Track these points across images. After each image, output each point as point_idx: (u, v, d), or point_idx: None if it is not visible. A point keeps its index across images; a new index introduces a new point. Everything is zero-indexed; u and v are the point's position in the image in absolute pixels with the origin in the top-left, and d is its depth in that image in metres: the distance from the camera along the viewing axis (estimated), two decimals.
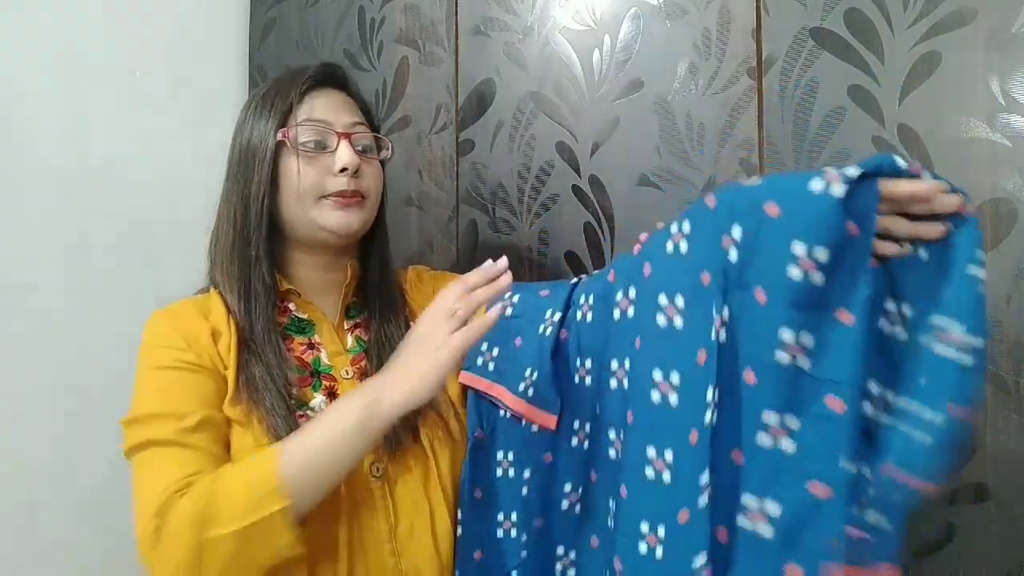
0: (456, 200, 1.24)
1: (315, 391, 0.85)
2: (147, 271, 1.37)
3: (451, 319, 0.74)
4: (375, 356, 0.89)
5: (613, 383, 0.79)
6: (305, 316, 0.91)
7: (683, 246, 0.72)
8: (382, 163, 0.95)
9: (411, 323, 0.95)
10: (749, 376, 0.65)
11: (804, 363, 0.63)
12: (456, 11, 1.24)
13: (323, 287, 0.93)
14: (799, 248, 0.62)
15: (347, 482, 0.81)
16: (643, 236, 0.80)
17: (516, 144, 1.16)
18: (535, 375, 0.85)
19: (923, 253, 0.63)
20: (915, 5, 0.86)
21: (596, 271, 0.93)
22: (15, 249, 1.21)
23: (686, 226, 0.72)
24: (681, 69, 1.02)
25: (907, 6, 0.86)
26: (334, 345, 0.90)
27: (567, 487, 0.84)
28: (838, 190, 0.60)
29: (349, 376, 0.88)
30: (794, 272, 0.62)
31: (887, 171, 0.61)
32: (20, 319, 1.21)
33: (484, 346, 0.91)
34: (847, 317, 0.61)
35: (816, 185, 0.61)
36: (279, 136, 0.86)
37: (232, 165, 0.90)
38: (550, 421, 0.84)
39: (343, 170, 0.86)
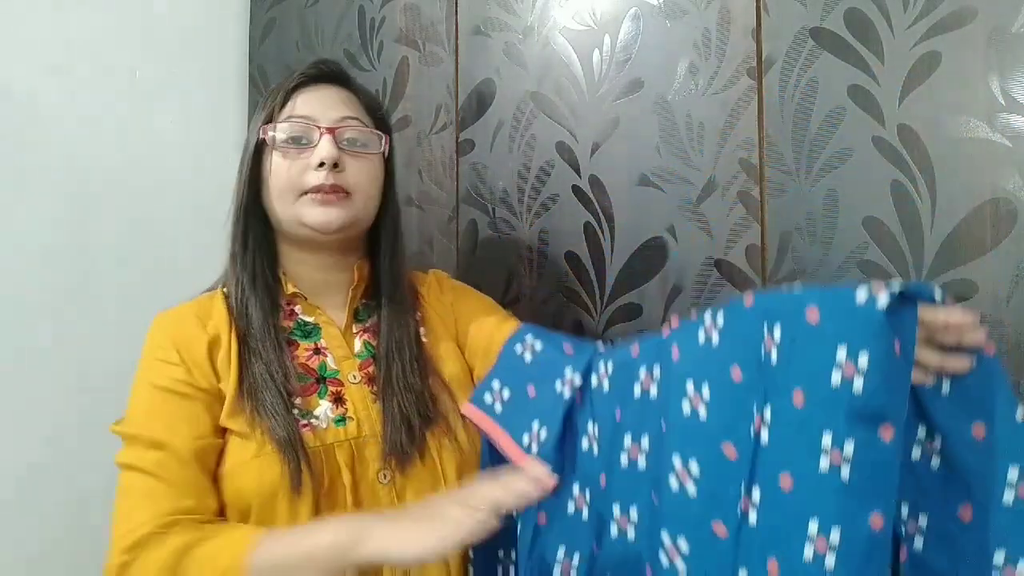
0: (456, 200, 1.24)
1: (321, 398, 0.84)
2: (147, 271, 1.37)
3: (472, 508, 0.70)
4: (383, 362, 0.88)
5: (624, 459, 0.78)
6: (311, 319, 0.90)
7: (715, 338, 0.72)
8: (388, 160, 0.93)
9: (421, 328, 0.93)
10: (785, 480, 0.65)
11: (845, 474, 0.62)
12: (456, 11, 1.24)
13: (328, 288, 0.92)
14: (841, 353, 0.62)
15: (352, 487, 0.81)
16: (673, 320, 0.80)
17: (516, 144, 1.16)
18: (544, 433, 0.84)
19: (945, 387, 0.65)
20: (915, 5, 0.86)
21: (619, 343, 0.89)
22: (15, 249, 1.21)
23: (719, 319, 0.73)
24: (681, 69, 1.02)
25: (907, 6, 0.86)
26: (341, 350, 0.89)
27: (560, 552, 0.83)
28: (883, 301, 0.61)
29: (356, 381, 0.87)
30: (835, 377, 0.62)
31: (925, 297, 0.64)
32: (19, 318, 1.21)
33: (496, 383, 0.90)
34: (888, 434, 0.61)
35: (860, 295, 0.63)
36: (260, 134, 0.87)
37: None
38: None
39: (321, 164, 0.85)
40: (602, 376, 0.83)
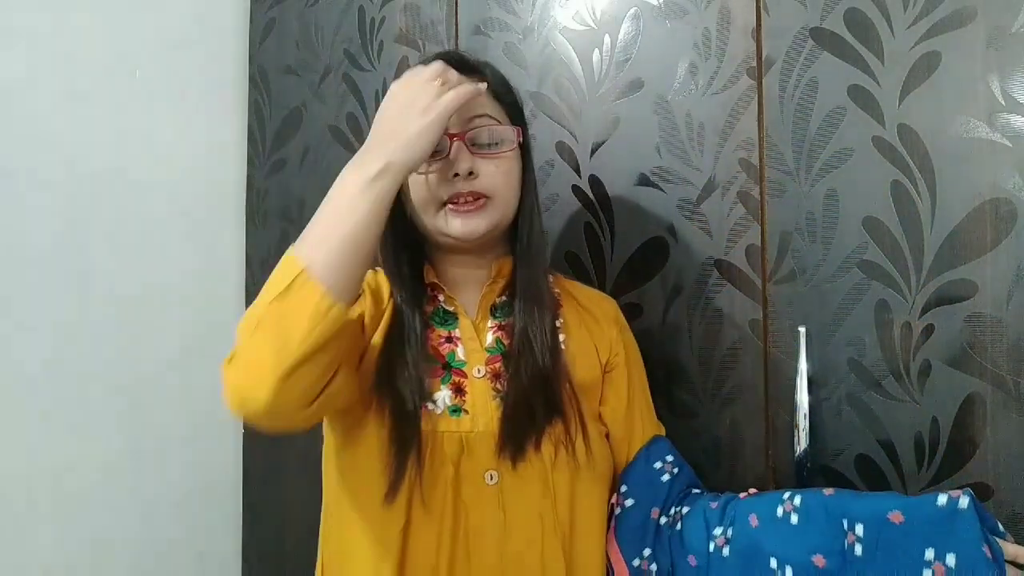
0: None
1: (443, 383, 0.83)
2: (146, 271, 1.37)
3: (433, 85, 0.75)
4: (512, 361, 0.84)
5: None
6: (451, 309, 0.88)
7: (794, 518, 0.77)
8: (525, 149, 0.89)
9: (561, 335, 0.89)
10: None
11: None
12: (456, 11, 1.24)
13: (464, 282, 0.89)
14: (929, 553, 0.68)
15: (454, 483, 0.80)
16: (752, 490, 0.85)
17: None
18: (654, 567, 0.84)
19: None
20: (915, 5, 0.86)
21: (706, 494, 0.89)
22: (13, 249, 1.21)
23: (797, 500, 0.78)
24: (681, 69, 1.02)
25: (907, 6, 0.86)
26: (473, 342, 0.87)
27: None
28: (964, 502, 0.68)
29: (481, 375, 0.85)
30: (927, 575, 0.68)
31: (989, 522, 0.69)
32: (15, 317, 1.21)
33: (623, 488, 0.88)
34: None
35: (941, 499, 0.69)
36: None
37: None
38: None
39: (456, 175, 0.82)
40: (676, 517, 0.85)
